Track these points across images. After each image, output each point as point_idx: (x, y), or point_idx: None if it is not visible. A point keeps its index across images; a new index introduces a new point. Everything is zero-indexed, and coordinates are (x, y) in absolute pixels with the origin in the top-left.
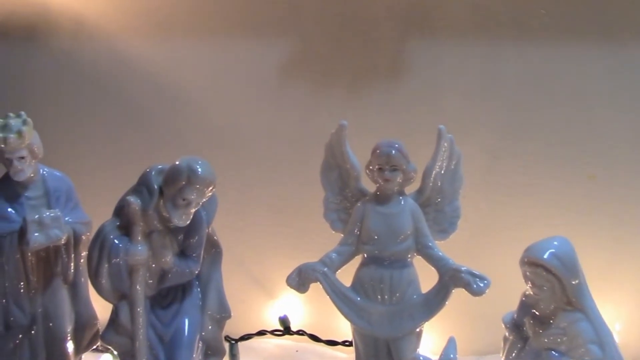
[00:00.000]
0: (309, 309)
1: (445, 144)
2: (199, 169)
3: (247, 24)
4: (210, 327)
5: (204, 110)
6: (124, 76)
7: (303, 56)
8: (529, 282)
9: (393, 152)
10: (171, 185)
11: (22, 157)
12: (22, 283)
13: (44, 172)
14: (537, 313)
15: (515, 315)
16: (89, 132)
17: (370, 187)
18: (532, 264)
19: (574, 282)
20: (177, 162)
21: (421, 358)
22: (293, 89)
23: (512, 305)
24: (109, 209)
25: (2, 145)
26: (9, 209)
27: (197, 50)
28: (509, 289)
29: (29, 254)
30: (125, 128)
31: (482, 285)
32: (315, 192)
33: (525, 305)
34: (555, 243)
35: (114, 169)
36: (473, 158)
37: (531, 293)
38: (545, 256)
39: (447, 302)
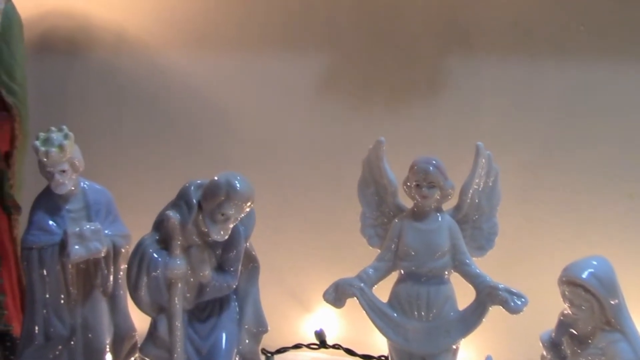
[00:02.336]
0: (345, 323)
1: (483, 161)
2: (238, 185)
3: (286, 39)
4: (247, 341)
5: (242, 124)
6: (163, 89)
7: (341, 71)
8: (568, 302)
9: (431, 168)
10: (210, 200)
11: (64, 171)
12: (62, 295)
13: (85, 185)
14: (575, 332)
15: (553, 334)
16: (129, 146)
17: (407, 202)
18: (570, 283)
19: (613, 302)
20: (216, 178)
21: None
22: (331, 103)
23: (549, 323)
24: (147, 222)
25: (44, 159)
26: (51, 222)
27: (236, 64)
28: (547, 307)
29: (70, 266)
30: (165, 141)
31: (519, 303)
32: (353, 206)
33: (564, 325)
34: (595, 263)
35: (152, 182)
36: (511, 174)
37: (569, 312)
38: (584, 276)
39: (483, 320)
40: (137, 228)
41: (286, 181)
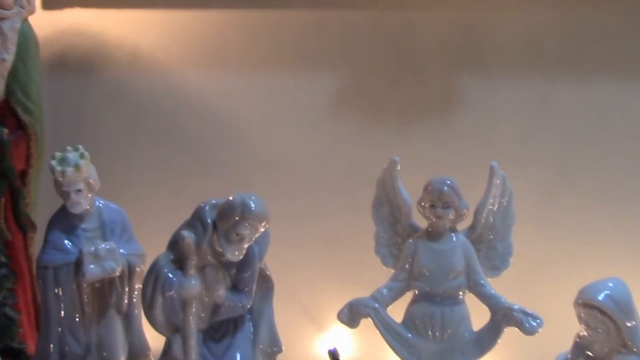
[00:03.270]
0: (358, 342)
1: (498, 181)
2: (253, 205)
3: (300, 57)
4: None
5: (257, 142)
6: (178, 107)
7: (355, 89)
8: (584, 324)
9: (445, 189)
10: (225, 220)
11: (79, 190)
12: (77, 313)
13: (100, 205)
14: (591, 355)
15: (569, 356)
16: (143, 164)
17: (421, 222)
18: (586, 305)
19: (629, 325)
20: (230, 198)
21: None
22: (344, 122)
23: (565, 345)
24: (161, 241)
25: (60, 179)
26: (66, 241)
27: (250, 82)
28: (562, 328)
29: (85, 285)
30: (179, 160)
31: (534, 324)
32: (366, 225)
33: (579, 347)
34: (611, 284)
35: (166, 200)
36: (526, 194)
37: (585, 334)
38: (601, 298)
39: (498, 341)
40: (152, 247)
41: (299, 200)
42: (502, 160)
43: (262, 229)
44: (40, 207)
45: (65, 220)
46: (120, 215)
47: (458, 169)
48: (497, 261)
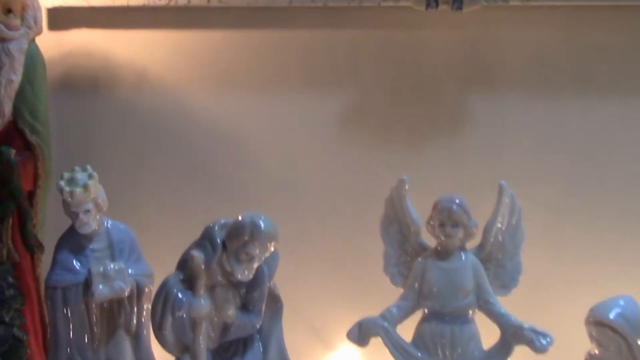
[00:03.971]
0: None
1: (507, 200)
2: (262, 225)
3: (307, 77)
4: None
5: (264, 162)
6: (185, 128)
7: (362, 109)
8: (595, 342)
9: (454, 207)
10: (234, 240)
11: (88, 211)
12: (86, 334)
13: (108, 225)
14: None
15: None
16: (151, 184)
17: (430, 241)
18: (597, 324)
19: None
20: (240, 218)
21: None
22: (352, 141)
23: None
24: (170, 260)
25: (69, 199)
26: (75, 261)
27: (258, 102)
28: (573, 346)
29: (93, 306)
30: (186, 179)
31: (544, 342)
32: (375, 244)
33: None
34: (622, 302)
35: (174, 220)
36: (534, 212)
37: (597, 353)
38: (612, 316)
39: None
40: (159, 267)
41: (308, 219)
42: (510, 180)
43: (272, 249)
44: (47, 227)
45: (73, 241)
46: (128, 235)
47: (466, 188)
48: (506, 280)
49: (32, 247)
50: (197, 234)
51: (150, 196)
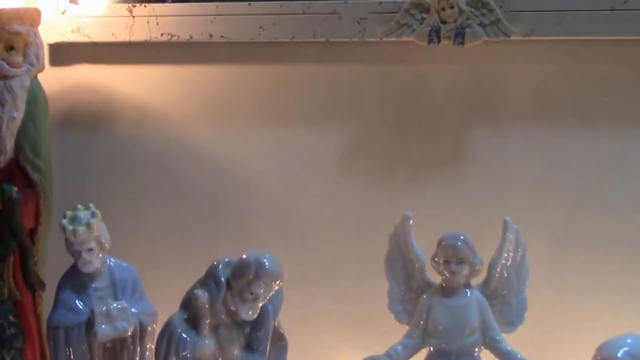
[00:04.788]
0: None
1: (511, 236)
2: (267, 263)
3: (310, 112)
4: None
5: (266, 197)
6: (187, 163)
7: (365, 144)
8: None
9: (459, 244)
10: (239, 279)
11: (91, 249)
12: None
13: (111, 263)
14: None
15: None
16: (153, 220)
17: (434, 277)
18: None
19: None
20: (244, 256)
21: None
22: (355, 175)
23: None
24: (171, 298)
25: (72, 238)
26: (77, 301)
27: (260, 137)
28: None
29: (96, 346)
30: (189, 216)
31: None
32: (378, 280)
33: None
34: (629, 341)
35: (177, 257)
36: (538, 247)
37: None
38: (620, 354)
39: None
40: (161, 305)
41: (311, 255)
42: (513, 213)
43: (276, 287)
44: (48, 264)
45: (76, 280)
46: (131, 274)
47: (469, 223)
48: (512, 316)
49: (33, 285)
50: (199, 271)
51: (151, 233)
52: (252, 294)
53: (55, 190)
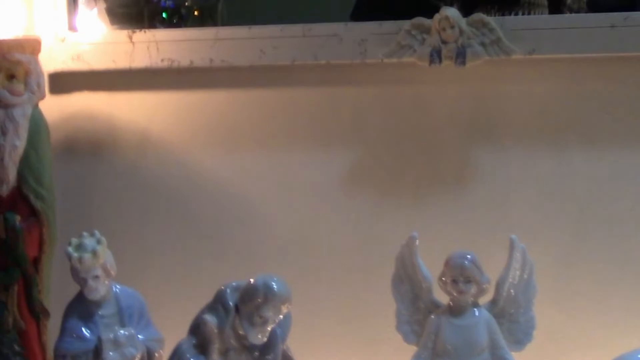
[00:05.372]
0: None
1: (518, 254)
2: (275, 287)
3: (312, 134)
4: None
5: (269, 222)
6: (190, 189)
7: (367, 166)
8: None
9: (466, 263)
10: (248, 303)
11: (97, 277)
12: None
13: (117, 290)
14: None
15: None
16: (156, 247)
17: (442, 298)
18: None
19: None
20: (252, 280)
21: None
22: (358, 198)
23: None
24: (176, 324)
25: (78, 265)
26: (84, 328)
27: (262, 161)
28: None
29: None
30: (193, 241)
31: None
32: (386, 302)
33: None
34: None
35: (181, 283)
36: (543, 265)
37: None
38: None
39: None
40: (166, 331)
41: (315, 278)
42: (517, 232)
43: (285, 311)
44: (51, 293)
45: (82, 307)
46: (137, 300)
47: (474, 242)
48: (520, 335)
49: (38, 314)
50: (205, 296)
51: (155, 259)
52: (261, 317)
53: (57, 219)
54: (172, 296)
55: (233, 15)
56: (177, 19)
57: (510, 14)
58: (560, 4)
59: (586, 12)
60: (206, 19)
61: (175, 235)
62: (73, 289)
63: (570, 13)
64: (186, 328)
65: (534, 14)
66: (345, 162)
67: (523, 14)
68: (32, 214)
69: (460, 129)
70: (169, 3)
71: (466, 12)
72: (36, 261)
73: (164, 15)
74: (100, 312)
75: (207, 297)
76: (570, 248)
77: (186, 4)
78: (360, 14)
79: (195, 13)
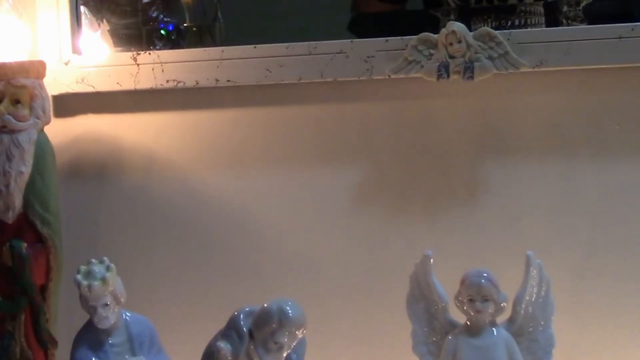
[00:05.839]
0: None
1: (534, 271)
2: (290, 312)
3: (320, 152)
4: None
5: (279, 241)
6: (197, 210)
7: (377, 182)
8: None
9: (483, 282)
10: (262, 329)
11: (107, 304)
12: None
13: (127, 317)
14: None
15: None
16: (163, 270)
17: (458, 317)
18: None
19: None
20: (266, 305)
21: None
22: (368, 216)
23: None
24: (185, 350)
25: (87, 293)
26: (94, 358)
27: (269, 180)
28: None
29: None
30: (202, 264)
31: None
32: (399, 321)
33: None
34: None
35: (189, 307)
36: (558, 279)
37: None
38: None
39: None
40: (178, 357)
41: (326, 298)
42: (530, 247)
43: (300, 336)
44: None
45: (91, 336)
46: (148, 328)
47: (486, 258)
48: (539, 354)
49: (45, 343)
50: (215, 321)
51: (164, 284)
52: (276, 343)
53: (63, 244)
54: (181, 321)
55: (232, 34)
56: (176, 38)
57: (507, 23)
58: (557, 12)
59: (582, 20)
60: (205, 38)
61: (183, 258)
62: (79, 317)
63: (567, 21)
64: (197, 354)
65: (530, 22)
66: (354, 180)
67: (519, 23)
68: (39, 240)
69: (470, 144)
70: (167, 23)
71: (462, 22)
72: (43, 289)
73: (162, 34)
74: (110, 341)
75: (217, 320)
76: (584, 262)
77: (185, 23)
78: (358, 27)
79: (194, 31)
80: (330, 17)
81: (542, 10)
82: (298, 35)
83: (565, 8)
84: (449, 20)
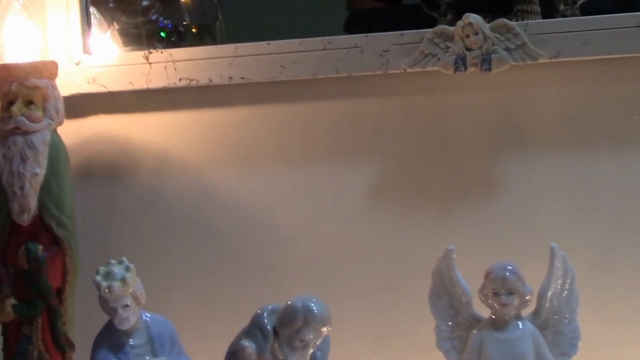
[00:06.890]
0: None
1: (559, 263)
2: (316, 309)
3: (335, 148)
4: None
5: (295, 240)
6: (211, 209)
7: (393, 179)
8: None
9: (508, 274)
10: (287, 326)
11: (127, 305)
12: None
13: (147, 318)
14: None
15: None
16: (178, 270)
17: (482, 311)
18: None
19: None
20: (290, 302)
21: None
22: (385, 212)
23: None
24: (209, 349)
25: (107, 295)
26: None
27: (285, 178)
28: None
29: None
30: (217, 263)
31: None
32: (420, 317)
33: None
34: None
35: (205, 307)
36: (578, 273)
37: None
38: None
39: None
40: (198, 357)
41: (346, 296)
42: (550, 241)
43: (325, 333)
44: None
45: (112, 338)
46: (168, 328)
47: (505, 253)
48: (565, 346)
49: (63, 346)
50: (233, 319)
51: (180, 284)
52: (301, 341)
53: (79, 246)
54: (198, 320)
55: (232, 33)
56: (176, 37)
57: None
58: (554, 11)
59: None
60: (205, 37)
61: (198, 258)
62: (96, 319)
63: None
64: (216, 353)
65: (528, 20)
66: (370, 176)
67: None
68: (54, 242)
69: (488, 137)
70: (167, 22)
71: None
72: (59, 291)
73: (162, 34)
74: (131, 342)
75: (236, 319)
76: (604, 255)
77: (184, 22)
78: (353, 26)
79: (194, 31)
80: (331, 16)
81: (539, 9)
82: (298, 33)
83: (562, 6)
84: (445, 19)
